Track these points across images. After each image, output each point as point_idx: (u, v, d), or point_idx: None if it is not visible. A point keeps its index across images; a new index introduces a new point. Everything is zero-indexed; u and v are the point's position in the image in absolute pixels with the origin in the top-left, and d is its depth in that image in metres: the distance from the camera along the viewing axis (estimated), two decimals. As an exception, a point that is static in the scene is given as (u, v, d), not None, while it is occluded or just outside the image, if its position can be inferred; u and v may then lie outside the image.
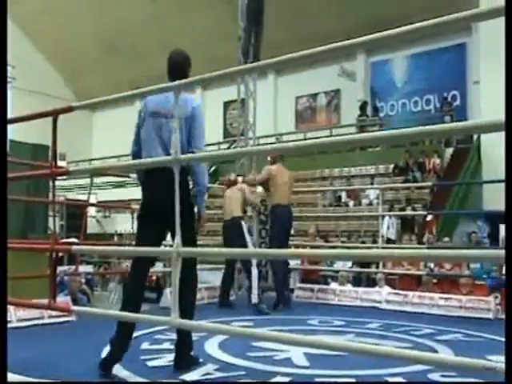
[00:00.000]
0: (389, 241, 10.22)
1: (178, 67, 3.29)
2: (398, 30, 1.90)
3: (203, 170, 3.31)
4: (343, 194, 13.47)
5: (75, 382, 2.86)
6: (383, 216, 9.64)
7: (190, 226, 3.13)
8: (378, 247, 7.00)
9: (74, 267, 6.16)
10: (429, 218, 10.54)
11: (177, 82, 2.32)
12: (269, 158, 6.40)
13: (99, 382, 2.94)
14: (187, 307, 3.08)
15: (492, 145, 12.86)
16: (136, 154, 3.32)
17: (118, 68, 22.22)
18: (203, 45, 19.58)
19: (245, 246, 5.84)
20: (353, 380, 2.94)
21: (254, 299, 5.78)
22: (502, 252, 1.53)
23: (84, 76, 23.49)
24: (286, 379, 2.95)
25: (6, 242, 2.45)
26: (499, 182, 10.33)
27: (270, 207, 6.35)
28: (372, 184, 12.79)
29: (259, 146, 10.16)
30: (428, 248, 7.32)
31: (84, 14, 20.92)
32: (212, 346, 3.73)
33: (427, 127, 1.92)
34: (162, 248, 3.36)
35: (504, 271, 6.38)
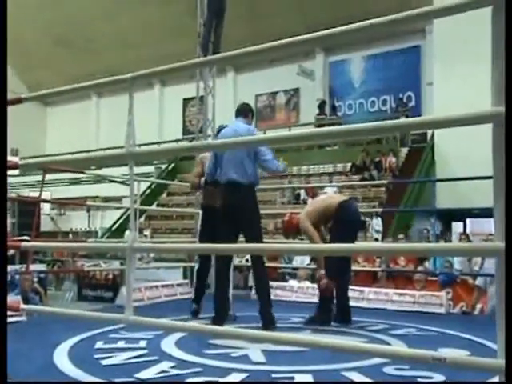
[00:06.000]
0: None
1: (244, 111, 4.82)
2: (354, 25, 1.92)
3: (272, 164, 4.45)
4: (302, 192, 13.58)
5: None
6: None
7: (259, 225, 4.53)
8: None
9: (25, 266, 5.96)
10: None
11: (130, 75, 2.28)
12: None
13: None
14: (265, 299, 4.50)
15: (445, 144, 13.23)
16: (213, 174, 4.59)
17: (71, 62, 21.66)
18: (158, 40, 19.32)
19: None
20: (309, 376, 2.95)
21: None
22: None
23: (37, 70, 22.81)
24: (242, 375, 2.94)
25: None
26: (452, 180, 10.70)
27: None
28: (330, 182, 12.93)
29: (218, 140, 10.07)
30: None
31: (35, 5, 20.30)
32: (169, 344, 3.68)
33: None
34: (116, 244, 3.30)
35: (455, 267, 6.58)
